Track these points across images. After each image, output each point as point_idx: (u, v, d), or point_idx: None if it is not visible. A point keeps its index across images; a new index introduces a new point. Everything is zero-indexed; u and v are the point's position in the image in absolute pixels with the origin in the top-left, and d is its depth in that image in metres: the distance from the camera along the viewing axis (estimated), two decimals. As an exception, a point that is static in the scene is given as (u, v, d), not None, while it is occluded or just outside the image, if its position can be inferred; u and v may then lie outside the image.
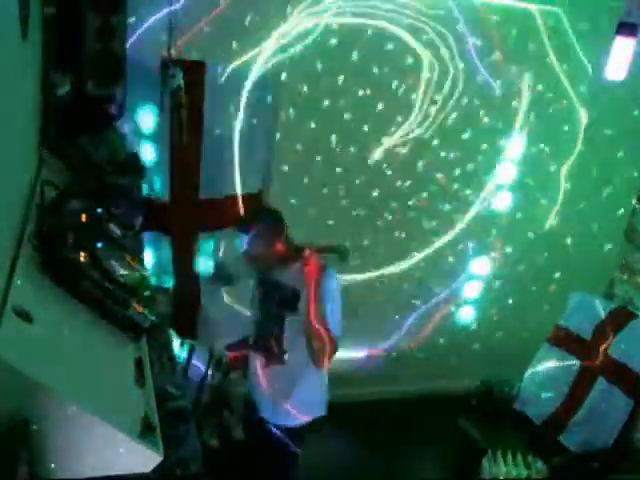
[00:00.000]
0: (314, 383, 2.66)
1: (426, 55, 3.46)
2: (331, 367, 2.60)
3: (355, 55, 3.35)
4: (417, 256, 3.94)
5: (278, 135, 3.43)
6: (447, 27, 3.42)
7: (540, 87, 3.73)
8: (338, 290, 2.52)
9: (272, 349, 2.61)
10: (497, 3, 3.45)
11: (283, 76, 3.29)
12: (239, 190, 3.34)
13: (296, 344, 2.54)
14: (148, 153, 3.11)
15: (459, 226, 3.95)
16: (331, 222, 3.66)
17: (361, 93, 3.46)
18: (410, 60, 3.48)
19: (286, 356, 2.60)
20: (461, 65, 3.52)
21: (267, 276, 2.62)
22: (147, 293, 1.93)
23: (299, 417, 2.66)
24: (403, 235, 3.87)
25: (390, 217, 3.81)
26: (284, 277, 2.54)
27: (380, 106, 3.52)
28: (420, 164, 3.73)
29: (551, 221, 4.06)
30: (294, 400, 2.64)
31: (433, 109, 3.58)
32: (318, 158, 3.54)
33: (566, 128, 3.88)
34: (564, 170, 3.97)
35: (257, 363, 2.71)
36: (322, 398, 2.74)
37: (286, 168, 3.51)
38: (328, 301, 2.45)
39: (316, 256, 2.47)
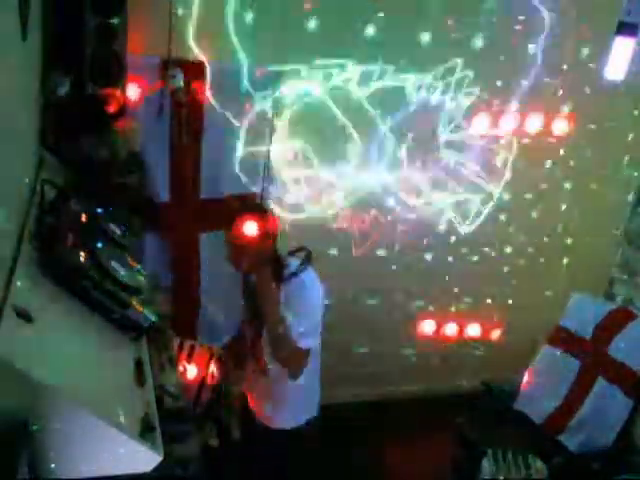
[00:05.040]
0: (297, 389, 2.58)
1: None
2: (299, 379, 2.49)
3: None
4: (417, 256, 3.95)
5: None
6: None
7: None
8: (306, 299, 2.40)
9: (257, 357, 2.57)
10: None
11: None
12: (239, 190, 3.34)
13: None
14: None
15: (459, 227, 3.96)
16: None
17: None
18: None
19: (270, 365, 2.53)
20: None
21: (247, 279, 2.55)
22: (147, 293, 1.93)
23: (288, 422, 2.64)
24: (401, 235, 3.88)
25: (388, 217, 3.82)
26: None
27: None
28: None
29: (551, 221, 4.07)
30: (280, 405, 2.61)
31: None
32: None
33: (566, 128, 3.88)
34: (564, 170, 3.98)
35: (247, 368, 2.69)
36: (311, 400, 2.69)
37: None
38: (293, 310, 2.35)
39: (269, 262, 2.35)
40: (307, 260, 2.42)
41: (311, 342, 2.40)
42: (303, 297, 2.39)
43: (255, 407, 2.73)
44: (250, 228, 2.32)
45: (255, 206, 2.61)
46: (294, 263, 2.43)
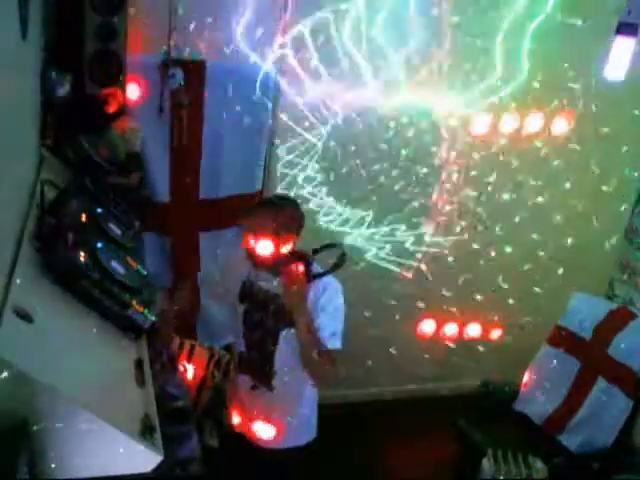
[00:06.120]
0: (308, 406, 2.52)
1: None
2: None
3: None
4: (419, 258, 3.95)
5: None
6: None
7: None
8: (334, 299, 2.31)
9: (262, 371, 2.45)
10: None
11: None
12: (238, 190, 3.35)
13: (292, 362, 2.36)
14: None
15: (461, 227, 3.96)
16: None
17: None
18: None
19: (274, 381, 2.43)
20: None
21: (254, 285, 2.45)
22: (147, 293, 1.93)
23: (288, 442, 2.54)
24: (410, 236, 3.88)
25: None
26: (273, 284, 2.36)
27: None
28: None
29: (551, 221, 4.06)
30: (282, 426, 2.50)
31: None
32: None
33: (566, 128, 3.88)
34: (564, 170, 3.97)
35: (241, 384, 2.57)
36: (312, 421, 2.60)
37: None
38: (319, 312, 2.27)
39: (297, 264, 2.25)
40: (342, 261, 2.30)
41: (340, 343, 2.31)
42: (333, 296, 2.31)
43: (250, 429, 2.58)
44: (267, 247, 2.27)
45: (290, 199, 2.47)
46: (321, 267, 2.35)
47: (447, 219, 3.92)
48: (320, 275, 2.29)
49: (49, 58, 2.51)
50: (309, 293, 2.28)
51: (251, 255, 2.35)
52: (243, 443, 2.62)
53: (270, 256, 2.30)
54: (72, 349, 1.55)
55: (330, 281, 2.33)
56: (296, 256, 2.31)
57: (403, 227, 3.84)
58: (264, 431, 2.55)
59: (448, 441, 3.70)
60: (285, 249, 2.31)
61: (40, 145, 2.40)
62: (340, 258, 2.29)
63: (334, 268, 2.30)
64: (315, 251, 2.33)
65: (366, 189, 3.67)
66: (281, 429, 2.52)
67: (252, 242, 2.31)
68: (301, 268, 2.25)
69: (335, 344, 2.29)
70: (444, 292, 4.10)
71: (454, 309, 4.18)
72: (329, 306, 2.30)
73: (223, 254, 3.37)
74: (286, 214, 2.35)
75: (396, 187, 3.73)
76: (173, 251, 3.33)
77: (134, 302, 1.79)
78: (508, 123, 3.79)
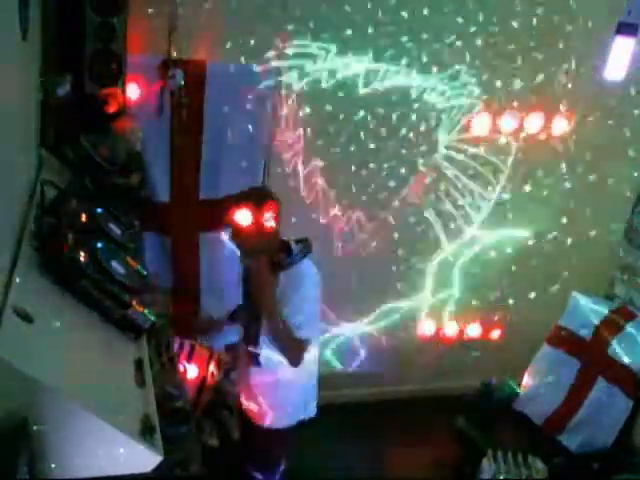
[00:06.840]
0: (292, 384, 2.57)
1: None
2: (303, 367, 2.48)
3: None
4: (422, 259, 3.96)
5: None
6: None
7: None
8: (302, 290, 2.39)
9: (252, 349, 2.56)
10: None
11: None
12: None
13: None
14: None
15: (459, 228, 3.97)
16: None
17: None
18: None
19: (261, 357, 2.53)
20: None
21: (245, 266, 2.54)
22: (147, 293, 1.93)
23: (281, 420, 2.63)
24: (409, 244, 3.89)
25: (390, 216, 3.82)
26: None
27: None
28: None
29: (551, 221, 4.07)
30: (273, 402, 2.61)
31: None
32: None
33: (566, 128, 3.88)
34: (564, 170, 3.97)
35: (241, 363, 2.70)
36: (306, 399, 2.67)
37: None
38: (289, 301, 2.34)
39: (265, 255, 2.36)
40: (306, 249, 2.43)
41: (308, 333, 2.39)
42: (299, 288, 2.38)
43: (248, 404, 2.70)
44: (245, 216, 2.35)
45: (255, 194, 2.55)
46: (294, 252, 2.43)
47: (446, 219, 3.92)
48: (286, 266, 2.39)
49: (49, 58, 2.51)
50: (281, 282, 2.38)
51: (236, 237, 2.42)
52: (243, 442, 2.67)
53: (252, 235, 2.35)
54: (72, 349, 1.55)
55: (300, 272, 2.40)
56: (278, 244, 2.41)
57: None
58: (251, 407, 2.68)
59: (448, 441, 3.70)
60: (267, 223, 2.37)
61: (40, 145, 2.40)
62: (304, 248, 2.43)
63: (298, 256, 2.41)
64: (296, 241, 2.44)
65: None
66: (272, 405, 2.62)
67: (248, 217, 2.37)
68: (268, 259, 2.34)
69: (299, 334, 2.36)
70: (445, 292, 4.10)
71: (454, 309, 4.19)
72: (295, 296, 2.36)
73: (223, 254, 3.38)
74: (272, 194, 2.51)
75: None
76: (173, 251, 3.33)
77: (134, 302, 1.79)
78: (508, 123, 3.79)
